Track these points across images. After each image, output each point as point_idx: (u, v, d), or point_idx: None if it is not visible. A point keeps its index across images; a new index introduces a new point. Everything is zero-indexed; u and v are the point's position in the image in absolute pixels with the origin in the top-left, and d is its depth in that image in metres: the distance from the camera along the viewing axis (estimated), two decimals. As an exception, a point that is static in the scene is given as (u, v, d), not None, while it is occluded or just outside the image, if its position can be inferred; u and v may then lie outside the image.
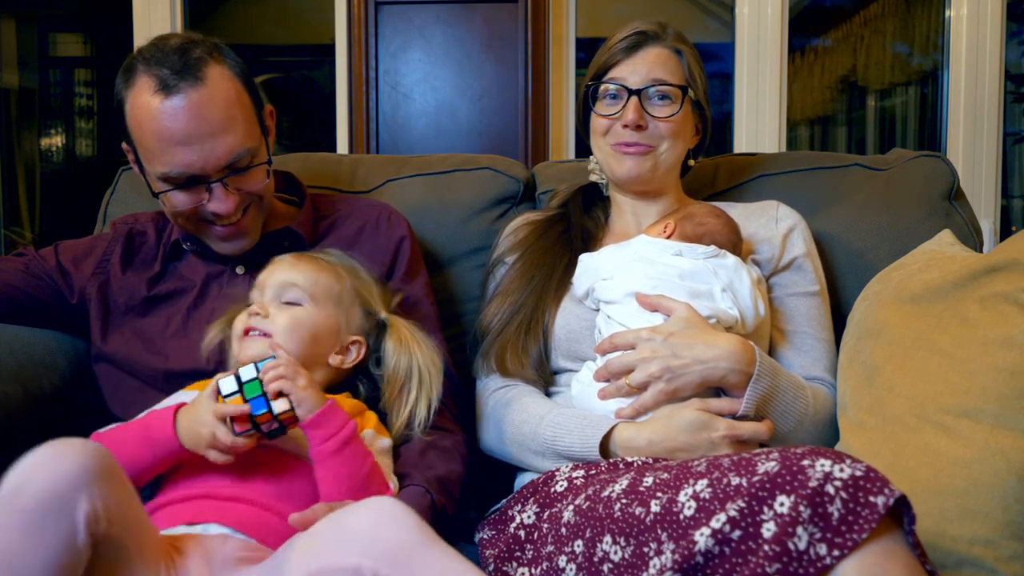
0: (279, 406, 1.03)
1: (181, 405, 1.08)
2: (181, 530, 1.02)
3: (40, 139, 4.60)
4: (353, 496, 1.01)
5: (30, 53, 4.50)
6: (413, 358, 1.22)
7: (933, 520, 1.02)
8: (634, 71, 1.35)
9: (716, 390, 1.23)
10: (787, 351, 1.35)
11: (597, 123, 1.39)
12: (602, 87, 1.37)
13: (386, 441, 1.17)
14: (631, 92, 1.34)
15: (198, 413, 1.04)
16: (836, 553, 0.82)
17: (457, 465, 1.21)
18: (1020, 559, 0.99)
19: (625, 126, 1.34)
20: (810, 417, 1.25)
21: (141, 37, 2.83)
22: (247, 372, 1.04)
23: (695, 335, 1.20)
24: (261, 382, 1.04)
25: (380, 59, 2.43)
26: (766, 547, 0.83)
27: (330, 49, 2.78)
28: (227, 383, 1.04)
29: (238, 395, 1.03)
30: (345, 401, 1.17)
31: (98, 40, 4.90)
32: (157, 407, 1.13)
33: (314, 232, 1.39)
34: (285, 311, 1.17)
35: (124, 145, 1.29)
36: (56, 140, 4.75)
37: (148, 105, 1.19)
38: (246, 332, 1.16)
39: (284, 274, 1.19)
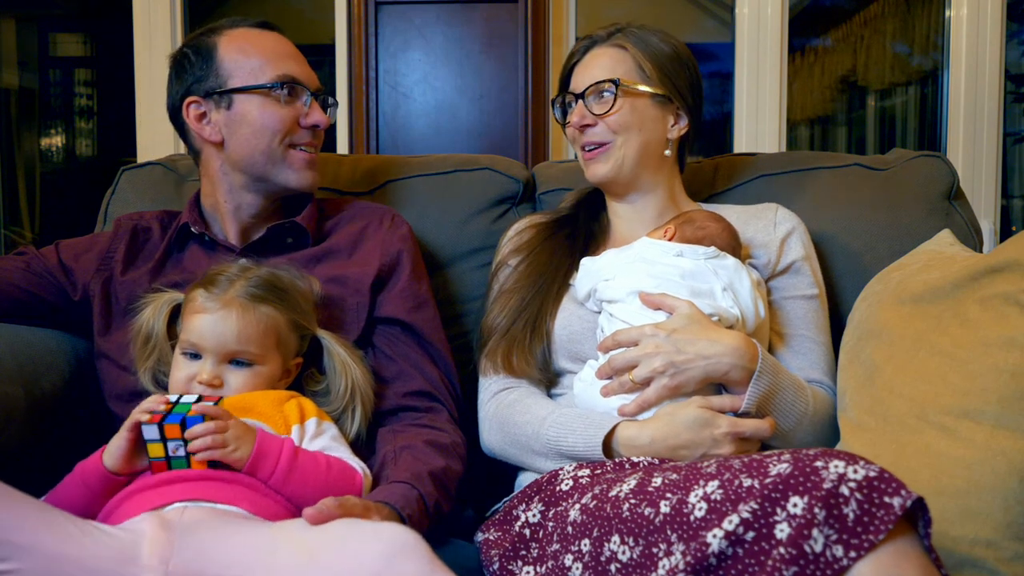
0: (198, 465, 1.05)
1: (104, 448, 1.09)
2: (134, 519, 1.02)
3: (40, 139, 4.60)
4: (327, 494, 1.01)
5: (30, 53, 4.50)
6: (351, 378, 1.24)
7: (934, 521, 1.02)
8: (581, 77, 1.40)
9: (718, 387, 1.23)
10: (785, 354, 1.35)
11: (567, 135, 1.45)
12: (558, 101, 1.45)
13: (331, 426, 1.18)
14: (577, 97, 1.39)
15: (118, 437, 1.07)
16: (853, 554, 0.81)
17: (456, 463, 1.22)
18: (1021, 560, 0.99)
19: (575, 128, 1.39)
20: (809, 416, 1.25)
21: (141, 37, 2.83)
22: (172, 429, 1.05)
23: (698, 331, 1.20)
24: (186, 441, 1.05)
25: (380, 59, 2.43)
26: (781, 549, 0.83)
27: (330, 49, 2.78)
28: (150, 430, 1.05)
29: (159, 442, 1.05)
30: (268, 393, 1.17)
31: (98, 40, 4.90)
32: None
33: (319, 230, 1.40)
34: (236, 375, 1.17)
35: (191, 99, 1.34)
36: (56, 140, 4.75)
37: (253, 32, 1.37)
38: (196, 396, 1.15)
39: (231, 340, 1.16)
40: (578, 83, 1.40)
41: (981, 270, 1.16)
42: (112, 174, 1.70)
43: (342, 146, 2.71)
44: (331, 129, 1.41)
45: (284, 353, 1.21)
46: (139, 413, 1.06)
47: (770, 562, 0.83)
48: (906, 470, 1.08)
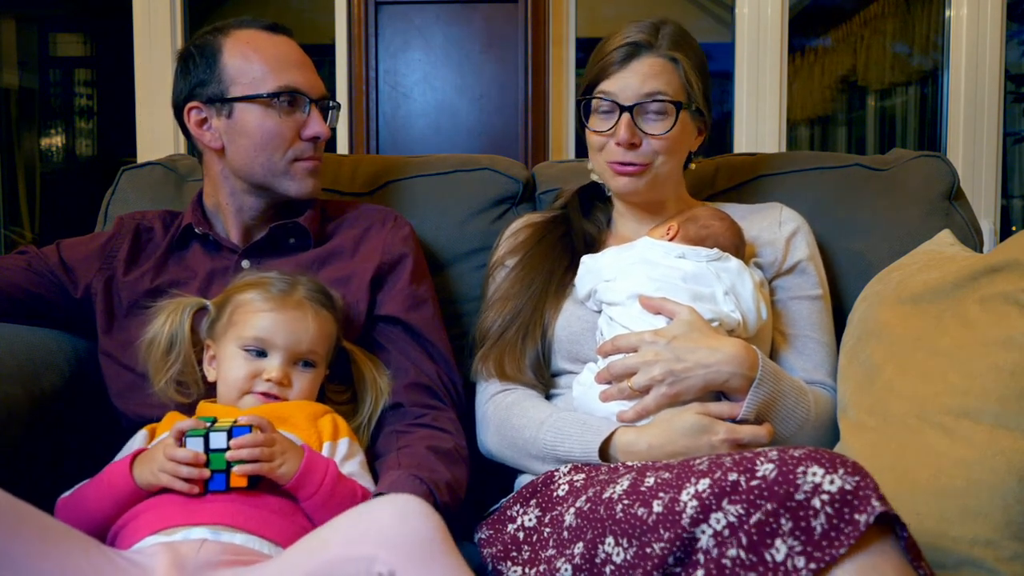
0: (237, 481, 1.02)
1: (139, 452, 1.07)
2: (150, 541, 1.00)
3: (40, 139, 4.60)
4: None
5: (30, 53, 4.51)
6: (378, 389, 1.25)
7: (933, 521, 1.02)
8: (626, 85, 1.30)
9: (717, 394, 1.23)
10: (789, 354, 1.35)
11: (591, 139, 1.36)
12: (594, 103, 1.33)
13: (360, 451, 1.17)
14: (623, 108, 1.29)
15: (154, 464, 1.03)
16: (813, 566, 0.82)
17: (461, 469, 1.22)
18: (1020, 559, 0.99)
19: (618, 144, 1.31)
20: (811, 422, 1.25)
21: (141, 37, 2.83)
22: (218, 440, 1.02)
23: (698, 339, 1.20)
24: (229, 464, 1.02)
25: (380, 59, 2.43)
26: (741, 553, 0.83)
27: (330, 49, 2.78)
28: (194, 443, 1.02)
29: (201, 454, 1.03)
30: (304, 405, 1.17)
31: (98, 40, 4.90)
32: (116, 458, 1.13)
33: (321, 232, 1.40)
34: (301, 376, 1.18)
35: (193, 104, 1.33)
36: (56, 140, 4.75)
37: (260, 36, 1.34)
38: (263, 394, 1.15)
39: (305, 340, 1.17)
40: (624, 92, 1.30)
41: (981, 270, 1.16)
42: (112, 174, 1.70)
43: (342, 146, 2.71)
44: (326, 139, 1.40)
45: (327, 361, 1.22)
46: (182, 426, 1.04)
47: (727, 561, 0.84)
48: (905, 470, 1.08)
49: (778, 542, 0.83)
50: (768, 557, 0.83)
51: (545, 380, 1.34)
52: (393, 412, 1.28)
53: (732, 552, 0.84)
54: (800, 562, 0.82)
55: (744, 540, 0.84)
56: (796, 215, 1.43)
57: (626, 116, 1.29)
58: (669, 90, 1.30)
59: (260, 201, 1.37)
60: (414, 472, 1.12)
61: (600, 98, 1.32)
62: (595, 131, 1.34)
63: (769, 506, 0.84)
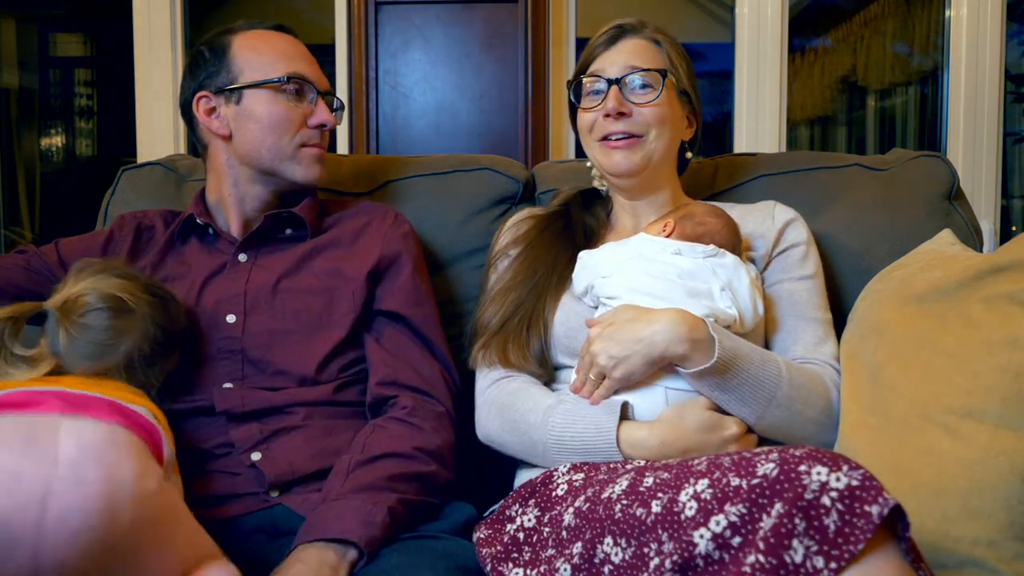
0: None
1: None
2: None
3: (40, 139, 4.60)
4: None
5: (30, 53, 4.51)
6: None
7: (936, 521, 1.02)
8: (613, 62, 1.36)
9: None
10: (784, 336, 1.34)
11: (583, 120, 1.40)
12: (584, 82, 1.39)
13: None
14: (610, 82, 1.34)
15: None
16: (833, 565, 0.81)
17: (423, 466, 1.22)
18: (1023, 560, 0.99)
19: (607, 115, 1.34)
20: (787, 382, 1.21)
21: (141, 37, 2.83)
22: None
23: (635, 316, 1.20)
24: None
25: (380, 59, 2.43)
26: (760, 557, 0.83)
27: (330, 49, 2.78)
28: None
29: None
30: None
31: (98, 40, 4.90)
32: None
33: (319, 224, 1.42)
34: None
35: (203, 93, 1.36)
36: (56, 140, 4.76)
37: (268, 33, 1.40)
38: None
39: None
40: (611, 68, 1.36)
41: (985, 270, 1.16)
42: (112, 174, 1.70)
43: (342, 146, 2.71)
44: (331, 129, 1.42)
45: None
46: None
47: (747, 569, 0.83)
48: (908, 470, 1.08)
49: (795, 543, 0.82)
50: (787, 559, 0.82)
51: (549, 371, 1.34)
52: (381, 404, 1.30)
53: (751, 559, 0.83)
54: (819, 562, 0.82)
55: (761, 544, 0.83)
56: (790, 210, 1.43)
57: (614, 88, 1.34)
58: (653, 64, 1.36)
59: (264, 190, 1.39)
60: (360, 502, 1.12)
61: (590, 76, 1.38)
62: (586, 108, 1.38)
63: (780, 507, 0.83)
